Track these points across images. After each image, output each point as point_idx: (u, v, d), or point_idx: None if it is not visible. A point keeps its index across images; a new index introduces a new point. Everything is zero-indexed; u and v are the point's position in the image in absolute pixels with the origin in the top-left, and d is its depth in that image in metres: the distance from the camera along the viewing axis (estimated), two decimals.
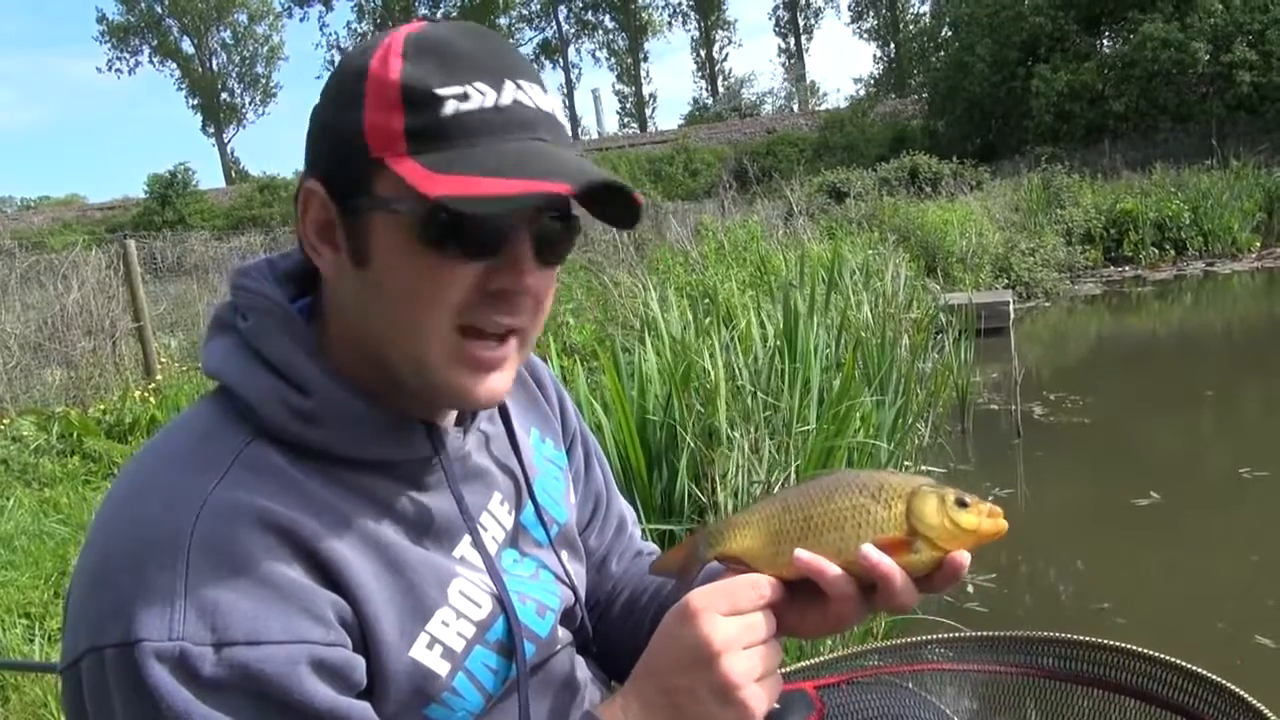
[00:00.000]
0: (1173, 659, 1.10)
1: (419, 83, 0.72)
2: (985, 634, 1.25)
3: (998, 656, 1.23)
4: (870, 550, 0.75)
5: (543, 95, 0.77)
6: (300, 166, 0.81)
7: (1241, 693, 1.03)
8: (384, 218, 0.74)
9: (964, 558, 0.76)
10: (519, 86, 0.74)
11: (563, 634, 0.94)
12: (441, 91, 0.72)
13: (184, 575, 0.66)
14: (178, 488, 0.71)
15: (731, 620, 0.73)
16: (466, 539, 0.84)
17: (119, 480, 0.77)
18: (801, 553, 0.76)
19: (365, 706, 0.72)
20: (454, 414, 0.87)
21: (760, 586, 0.76)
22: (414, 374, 0.77)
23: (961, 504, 0.75)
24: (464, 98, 0.72)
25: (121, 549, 0.69)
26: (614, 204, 0.78)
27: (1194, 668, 1.08)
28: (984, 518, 0.75)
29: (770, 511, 0.81)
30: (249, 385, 0.77)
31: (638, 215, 0.78)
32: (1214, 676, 1.06)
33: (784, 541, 0.79)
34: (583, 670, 0.96)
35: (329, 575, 0.72)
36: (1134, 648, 1.13)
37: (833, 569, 0.76)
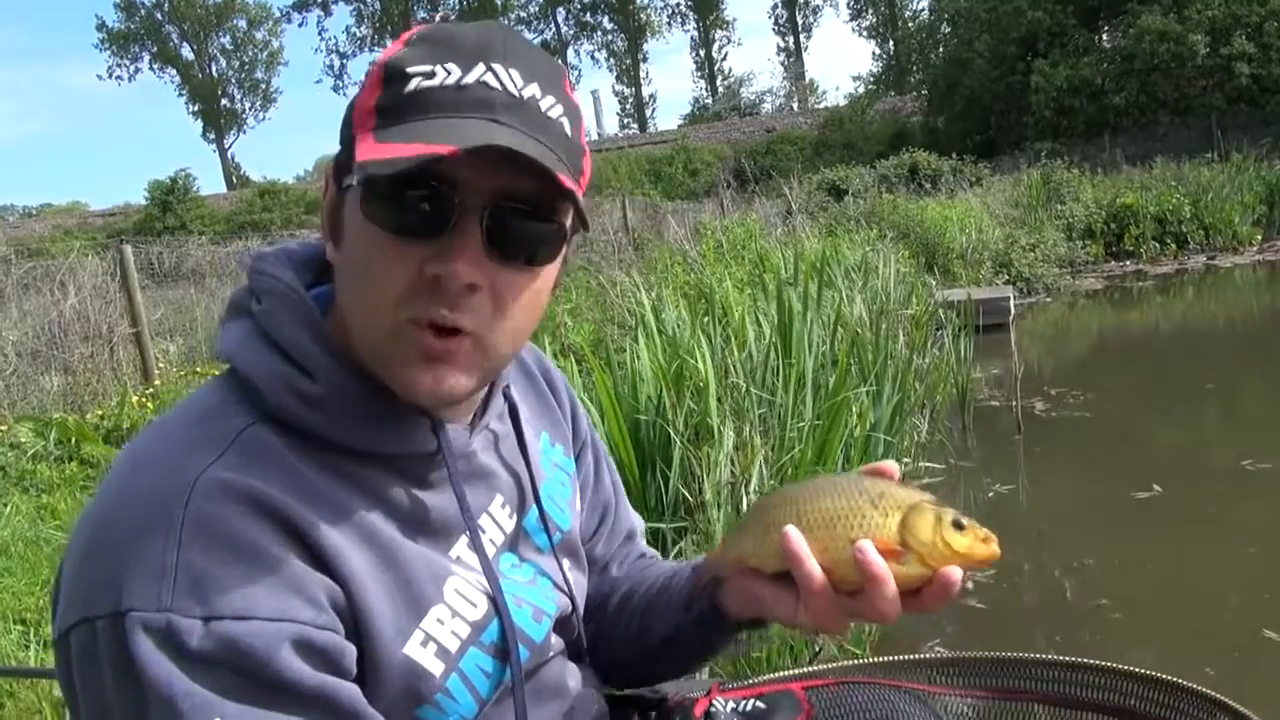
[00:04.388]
0: (1184, 681, 1.05)
1: (399, 62, 0.72)
2: (984, 654, 1.21)
3: (995, 680, 1.19)
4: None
5: (525, 83, 0.73)
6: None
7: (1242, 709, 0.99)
8: (351, 194, 0.74)
9: (955, 575, 0.74)
10: (492, 69, 0.72)
11: (556, 641, 0.92)
12: (411, 70, 0.72)
13: (176, 548, 0.65)
14: (173, 464, 0.70)
15: None
16: (464, 539, 0.82)
17: (121, 456, 0.76)
18: (791, 530, 0.76)
19: (355, 689, 0.70)
20: (463, 410, 0.85)
21: None
22: (371, 360, 0.75)
23: (958, 525, 0.75)
24: (430, 75, 0.71)
25: (116, 522, 0.68)
26: (531, 181, 0.71)
27: (1205, 690, 1.03)
28: (977, 542, 0.75)
29: (766, 504, 0.83)
30: (257, 367, 0.76)
31: (560, 195, 0.71)
32: (1210, 692, 1.02)
33: (774, 532, 0.78)
34: (574, 678, 0.94)
35: (323, 562, 0.71)
36: (1141, 670, 1.08)
37: (810, 560, 0.75)
